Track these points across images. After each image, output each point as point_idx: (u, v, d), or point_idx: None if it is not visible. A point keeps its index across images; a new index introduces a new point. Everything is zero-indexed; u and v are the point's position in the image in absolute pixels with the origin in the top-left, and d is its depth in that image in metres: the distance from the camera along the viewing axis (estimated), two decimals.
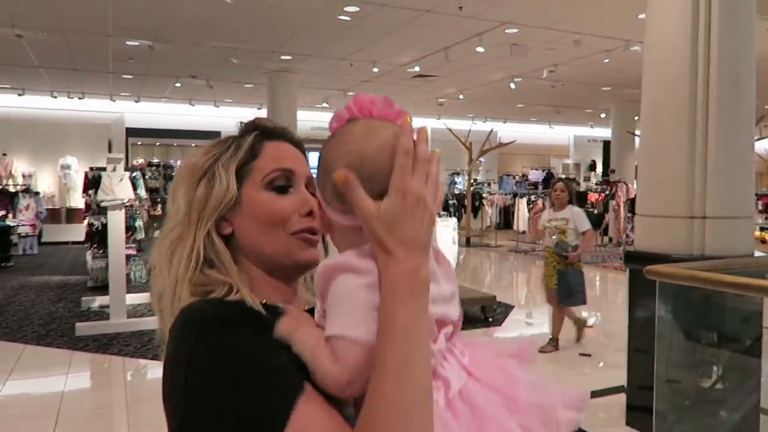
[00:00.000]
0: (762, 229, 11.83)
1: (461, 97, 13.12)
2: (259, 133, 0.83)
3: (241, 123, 0.87)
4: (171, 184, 0.86)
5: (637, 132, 12.80)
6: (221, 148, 0.82)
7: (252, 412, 0.60)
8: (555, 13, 7.04)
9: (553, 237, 5.03)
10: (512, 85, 11.29)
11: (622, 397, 3.59)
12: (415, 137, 0.63)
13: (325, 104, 13.78)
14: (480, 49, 8.28)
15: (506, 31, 7.83)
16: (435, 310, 0.63)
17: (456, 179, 17.70)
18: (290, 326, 0.66)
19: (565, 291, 4.93)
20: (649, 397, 2.84)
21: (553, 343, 5.11)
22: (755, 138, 4.09)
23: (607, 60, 9.07)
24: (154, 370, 4.75)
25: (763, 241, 11.37)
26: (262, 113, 14.11)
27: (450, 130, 12.53)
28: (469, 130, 14.43)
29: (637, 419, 3.34)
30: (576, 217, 5.01)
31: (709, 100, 2.80)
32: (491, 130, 14.59)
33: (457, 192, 16.41)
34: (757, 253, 3.22)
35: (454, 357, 0.66)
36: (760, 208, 12.55)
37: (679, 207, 2.89)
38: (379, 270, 0.61)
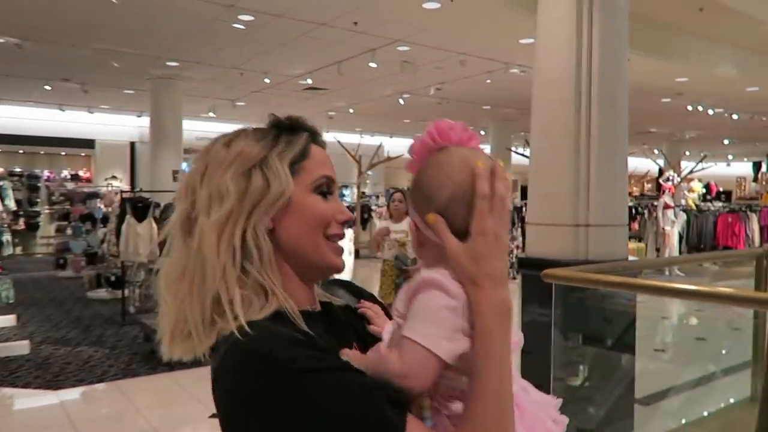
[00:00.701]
0: None
1: (351, 111, 13.32)
2: (309, 134, 0.85)
3: (273, 115, 0.87)
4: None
5: (513, 149, 13.67)
6: (269, 140, 0.81)
7: None
8: (444, 33, 7.40)
9: (391, 250, 4.81)
10: (401, 101, 11.66)
11: None
12: (492, 174, 0.70)
13: (211, 113, 13.37)
14: (372, 65, 8.49)
15: (398, 48, 8.10)
16: None
17: (344, 192, 17.86)
18: (359, 358, 0.73)
19: None
20: None
21: None
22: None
23: (489, 80, 9.66)
24: (23, 400, 4.35)
25: None
26: (143, 121, 13.39)
27: (340, 143, 12.65)
28: (359, 144, 14.67)
29: None
30: None
31: (590, 121, 3.14)
32: (380, 144, 14.94)
33: (346, 205, 16.52)
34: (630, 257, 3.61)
35: None
36: None
37: (566, 216, 3.19)
38: (470, 301, 0.68)
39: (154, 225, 6.91)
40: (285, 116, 0.86)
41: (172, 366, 4.98)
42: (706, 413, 3.88)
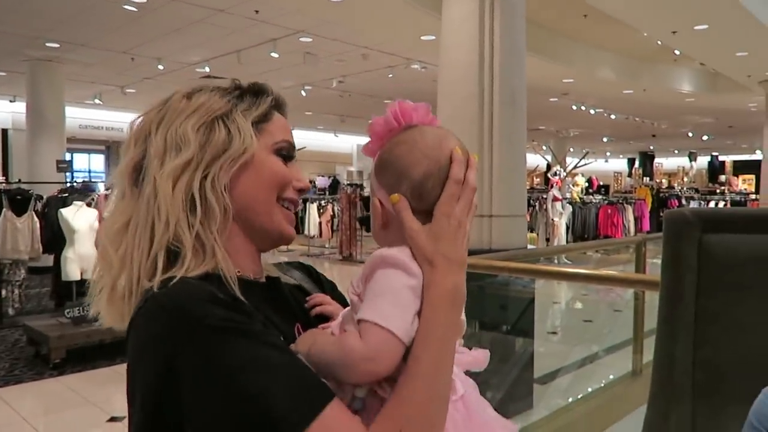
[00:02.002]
0: None
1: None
2: (273, 99, 0.82)
3: (235, 80, 0.83)
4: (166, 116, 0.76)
5: None
6: (233, 97, 0.79)
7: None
8: (347, 26, 7.42)
9: None
10: (303, 93, 11.53)
11: None
12: (467, 163, 0.70)
13: (97, 100, 12.49)
14: (274, 55, 8.33)
15: (300, 39, 8.01)
16: None
17: None
18: (307, 340, 0.69)
19: None
20: None
21: None
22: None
23: (390, 75, 9.81)
24: None
25: None
26: (17, 106, 12.23)
27: None
28: None
29: None
30: None
31: (493, 116, 3.29)
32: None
33: None
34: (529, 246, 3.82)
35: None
36: None
37: None
38: (424, 280, 0.66)
39: (36, 219, 6.36)
40: (249, 82, 0.84)
41: (62, 370, 4.64)
42: (590, 389, 4.22)
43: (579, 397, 4.03)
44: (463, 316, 0.73)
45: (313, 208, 13.65)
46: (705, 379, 1.31)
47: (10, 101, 12.86)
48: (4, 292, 6.54)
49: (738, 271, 1.31)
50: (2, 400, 4.11)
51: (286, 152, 0.80)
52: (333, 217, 12.82)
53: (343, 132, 19.20)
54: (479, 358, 0.76)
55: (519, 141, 3.46)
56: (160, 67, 9.42)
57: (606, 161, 25.36)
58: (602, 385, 4.20)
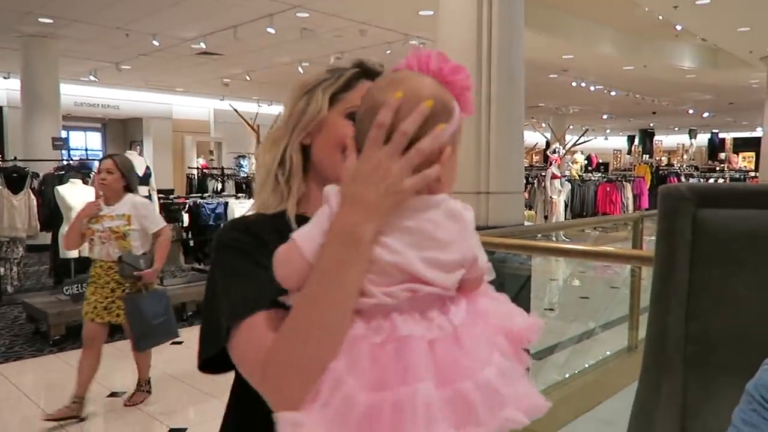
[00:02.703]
0: None
1: (248, 78, 12.86)
2: (359, 71, 0.94)
3: (354, 60, 0.96)
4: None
5: None
6: (327, 75, 0.94)
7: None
8: (344, 1, 7.31)
9: (105, 244, 3.34)
10: (300, 70, 11.42)
11: None
12: (404, 109, 0.69)
13: (92, 77, 12.36)
14: (271, 30, 8.23)
15: (297, 14, 7.90)
16: (424, 272, 0.69)
17: (243, 162, 17.33)
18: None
19: (142, 328, 3.37)
20: None
21: (146, 388, 3.78)
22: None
23: (388, 51, 9.70)
24: None
25: None
26: (11, 83, 12.12)
27: (237, 111, 12.22)
28: (256, 113, 14.25)
29: None
30: (141, 210, 3.41)
31: (491, 92, 3.26)
32: (279, 114, 14.57)
33: (243, 176, 16.10)
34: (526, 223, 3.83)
35: (430, 316, 0.70)
36: None
37: (468, 184, 3.32)
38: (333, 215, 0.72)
39: (33, 197, 6.35)
40: (359, 59, 0.96)
41: (62, 346, 4.68)
42: (586, 365, 4.26)
43: (575, 372, 4.07)
44: (455, 277, 0.71)
45: None
46: (696, 351, 1.32)
47: (4, 78, 12.74)
48: (2, 269, 6.55)
49: (731, 246, 1.31)
50: (3, 376, 4.15)
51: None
52: None
53: None
54: (525, 324, 0.76)
55: (517, 118, 3.44)
56: (155, 42, 9.31)
57: (606, 139, 25.27)
58: (596, 361, 4.24)
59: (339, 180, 0.80)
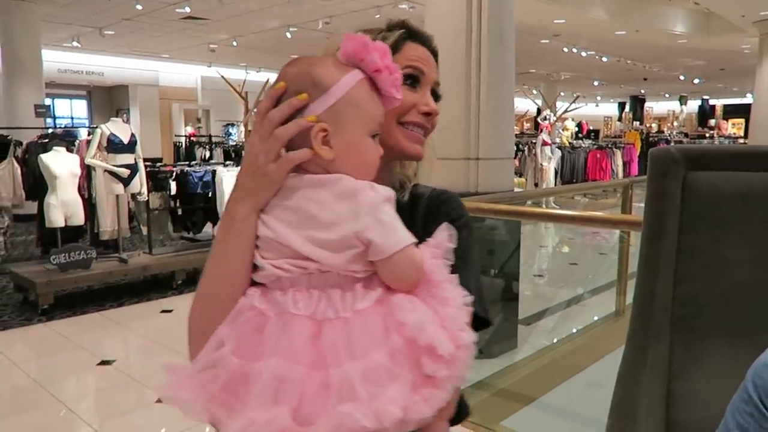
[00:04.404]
0: None
1: (235, 44, 12.61)
2: (405, 32, 0.90)
3: (390, 20, 0.93)
4: None
5: None
6: (374, 35, 0.88)
7: None
8: None
9: None
10: (288, 35, 11.21)
11: None
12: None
13: (75, 43, 12.07)
14: None
15: None
16: (303, 248, 0.71)
17: (231, 130, 17.13)
18: None
19: None
20: None
21: None
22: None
23: (378, 15, 9.52)
24: None
25: None
26: None
27: (224, 78, 12.01)
28: (244, 80, 14.01)
29: None
30: None
31: (480, 56, 3.20)
32: (267, 80, 14.36)
33: (233, 144, 15.93)
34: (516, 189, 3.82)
35: (330, 295, 0.71)
36: None
37: (458, 150, 3.28)
38: None
39: (17, 165, 6.24)
40: (402, 20, 0.93)
41: (51, 315, 4.66)
42: (575, 330, 4.32)
43: (563, 337, 4.13)
44: (342, 257, 0.72)
45: None
46: (684, 314, 1.32)
47: None
48: None
49: (721, 208, 1.30)
50: None
51: (408, 79, 0.87)
52: None
53: None
54: (434, 337, 0.69)
55: (507, 82, 3.39)
56: (138, 6, 9.06)
57: (597, 105, 25.17)
58: (586, 325, 4.30)
59: (399, 147, 0.86)
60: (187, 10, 9.39)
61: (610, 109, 25.09)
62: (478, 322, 0.83)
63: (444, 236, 0.79)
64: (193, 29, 11.18)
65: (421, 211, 0.90)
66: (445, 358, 0.67)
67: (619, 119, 21.90)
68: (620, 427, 1.31)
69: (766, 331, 1.34)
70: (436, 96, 0.93)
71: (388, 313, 0.70)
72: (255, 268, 0.75)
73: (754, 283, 1.29)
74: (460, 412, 0.90)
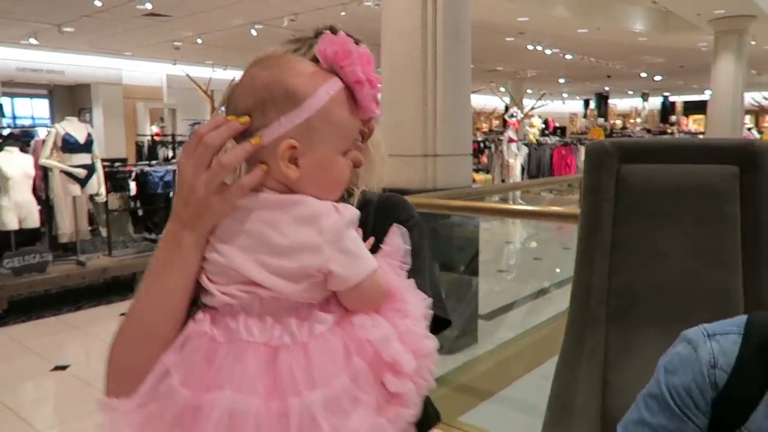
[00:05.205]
0: (473, 170, 13.91)
1: (199, 41, 12.42)
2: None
3: (318, 27, 0.89)
4: None
5: None
6: (296, 46, 0.85)
7: None
8: None
9: None
10: (253, 32, 11.09)
11: None
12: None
13: (33, 40, 11.74)
14: None
15: None
16: (256, 275, 0.65)
17: None
18: None
19: None
20: None
21: None
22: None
23: (343, 13, 9.48)
24: None
25: (473, 180, 13.44)
26: None
27: (189, 77, 11.82)
28: (210, 78, 13.81)
29: None
30: None
31: (436, 52, 3.21)
32: (233, 79, 14.17)
33: None
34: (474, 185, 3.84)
35: (286, 322, 0.66)
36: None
37: (416, 146, 3.28)
38: None
39: None
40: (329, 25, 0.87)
41: (5, 321, 4.53)
42: (538, 322, 4.37)
43: (524, 331, 4.17)
44: (297, 286, 0.66)
45: None
46: (619, 305, 1.35)
47: None
48: None
49: (653, 200, 1.33)
50: None
51: None
52: None
53: None
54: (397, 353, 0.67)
55: (464, 78, 3.41)
56: (97, 3, 8.86)
57: (563, 103, 25.54)
58: (546, 318, 4.35)
59: None
60: (149, 6, 9.21)
61: (576, 106, 25.48)
62: (438, 322, 0.80)
63: (397, 239, 0.75)
64: (156, 26, 10.96)
65: (370, 218, 0.86)
66: (408, 374, 0.64)
67: (584, 116, 22.27)
68: (558, 419, 1.33)
69: (699, 319, 1.37)
70: None
71: (349, 334, 0.66)
72: (203, 289, 0.69)
73: (687, 273, 1.32)
74: (430, 418, 0.88)
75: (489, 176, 11.33)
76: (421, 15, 3.22)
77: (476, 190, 3.67)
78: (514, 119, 12.47)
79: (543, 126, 17.16)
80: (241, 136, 0.67)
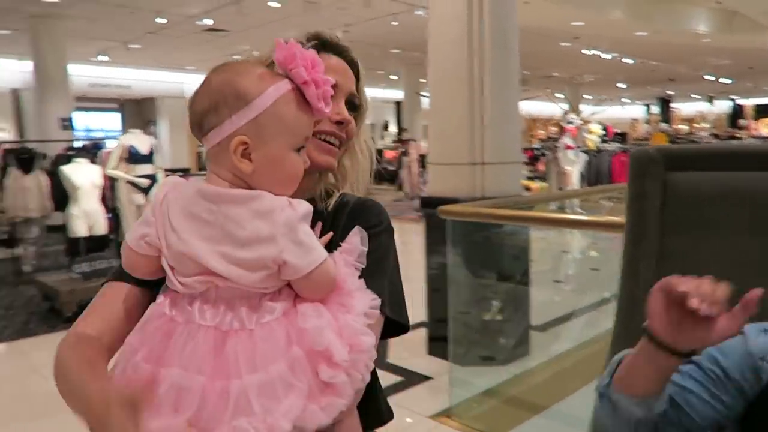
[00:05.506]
0: (528, 178, 13.67)
1: (256, 54, 12.75)
2: (317, 43, 0.93)
3: (308, 33, 0.97)
4: None
5: (424, 93, 13.74)
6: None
7: None
8: None
9: None
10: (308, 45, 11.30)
11: (423, 331, 3.96)
12: None
13: (101, 57, 12.38)
14: (274, 5, 8.15)
15: None
16: (217, 265, 0.70)
17: None
18: None
19: None
20: (445, 328, 3.23)
21: None
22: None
23: (395, 23, 9.55)
24: None
25: (528, 189, 13.19)
26: (25, 66, 12.17)
27: None
28: None
29: (436, 348, 3.57)
30: None
31: (483, 60, 3.19)
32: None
33: None
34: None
35: (237, 308, 0.71)
36: (525, 160, 14.45)
37: (463, 155, 3.27)
38: None
39: (43, 177, 6.43)
40: (317, 32, 0.97)
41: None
42: (594, 334, 4.23)
43: (579, 343, 4.05)
44: (256, 275, 0.73)
45: None
46: None
47: (18, 60, 12.82)
48: (20, 249, 6.68)
49: (701, 209, 1.27)
50: (18, 351, 4.27)
51: None
52: None
53: None
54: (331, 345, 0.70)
55: (511, 85, 3.37)
56: (160, 20, 9.27)
57: (623, 107, 24.78)
58: (603, 331, 4.21)
59: (311, 160, 0.84)
60: (209, 22, 9.56)
61: (637, 111, 24.66)
62: (395, 327, 0.83)
63: (356, 240, 0.80)
64: (215, 41, 11.37)
65: (343, 219, 0.89)
66: (341, 365, 0.68)
67: (647, 122, 21.51)
68: None
69: None
70: (353, 106, 0.93)
71: (292, 323, 0.71)
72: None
73: (736, 285, 1.26)
74: (383, 415, 0.90)
75: (545, 184, 11.10)
76: (467, 22, 3.21)
77: (525, 199, 3.60)
78: (571, 126, 12.18)
79: (602, 132, 16.69)
80: (198, 133, 0.75)
